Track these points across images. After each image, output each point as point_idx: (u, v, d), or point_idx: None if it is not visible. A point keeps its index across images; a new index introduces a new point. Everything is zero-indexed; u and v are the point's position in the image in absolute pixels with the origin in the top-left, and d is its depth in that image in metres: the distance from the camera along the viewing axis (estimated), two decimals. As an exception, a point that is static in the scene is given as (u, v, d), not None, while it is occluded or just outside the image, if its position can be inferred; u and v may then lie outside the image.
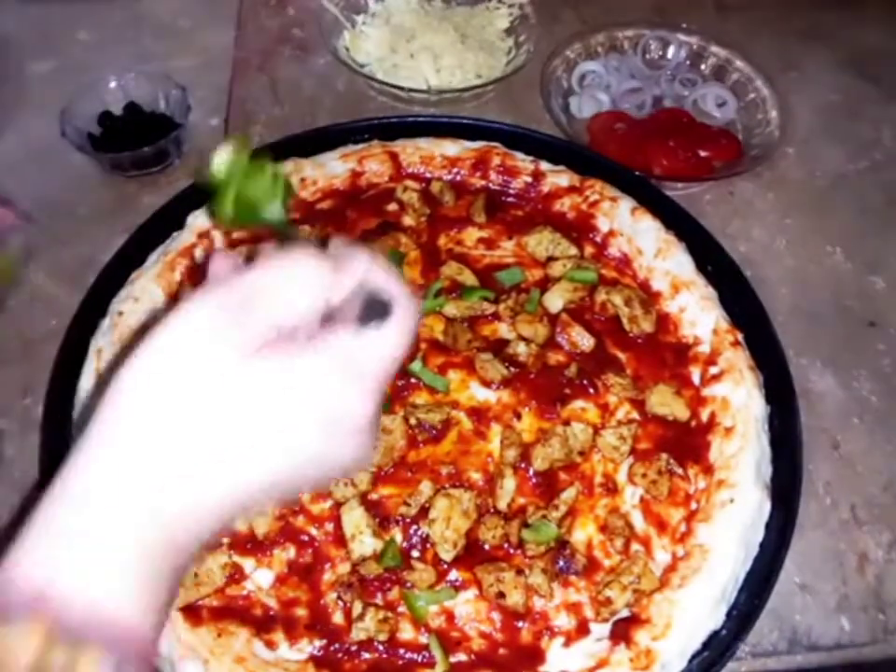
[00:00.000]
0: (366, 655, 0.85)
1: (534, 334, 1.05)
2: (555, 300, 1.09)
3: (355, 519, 0.90)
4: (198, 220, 1.14)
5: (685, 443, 0.99)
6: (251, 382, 0.51)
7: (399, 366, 0.57)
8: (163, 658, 0.83)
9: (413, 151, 1.24)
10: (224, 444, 0.51)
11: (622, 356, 1.06)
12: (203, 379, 0.51)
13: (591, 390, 1.02)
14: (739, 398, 0.99)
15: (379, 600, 0.89)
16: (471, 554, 0.91)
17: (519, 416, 1.00)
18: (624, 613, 0.88)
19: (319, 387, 0.53)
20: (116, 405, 0.51)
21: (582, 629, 0.88)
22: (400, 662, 0.86)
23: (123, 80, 1.35)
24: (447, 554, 0.90)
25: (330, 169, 1.22)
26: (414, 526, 0.92)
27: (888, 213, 1.35)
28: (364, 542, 0.90)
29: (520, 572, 0.88)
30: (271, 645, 0.86)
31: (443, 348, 1.05)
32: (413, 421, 0.97)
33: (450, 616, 0.88)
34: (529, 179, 1.22)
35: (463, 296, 1.09)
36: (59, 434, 0.96)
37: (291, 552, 0.91)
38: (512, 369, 1.02)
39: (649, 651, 0.83)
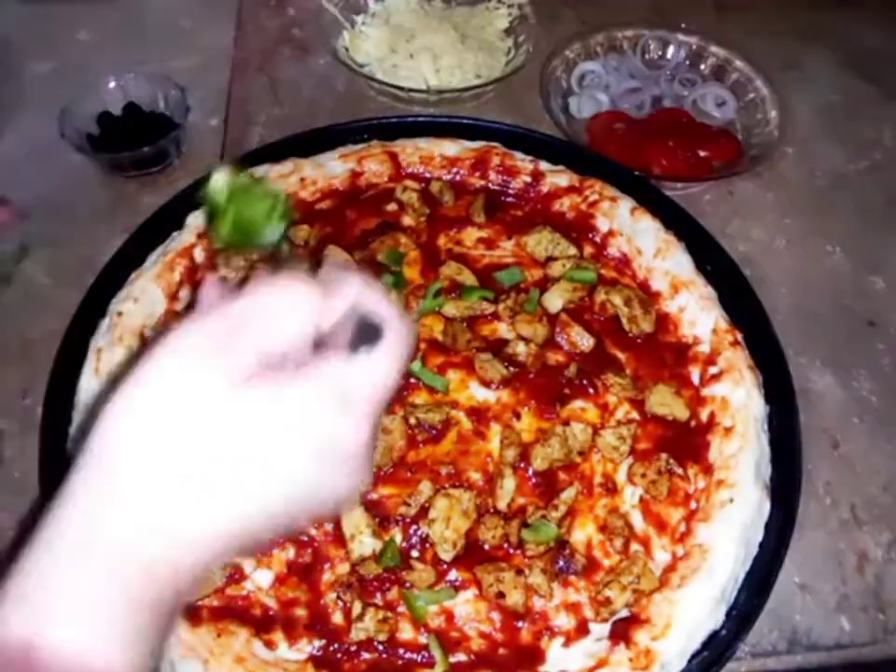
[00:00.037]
0: (365, 655, 0.85)
1: (533, 334, 1.05)
2: (555, 300, 1.09)
3: (354, 519, 0.90)
4: (197, 220, 1.13)
5: (685, 443, 0.99)
6: (242, 411, 0.50)
7: (393, 391, 0.55)
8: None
9: (412, 151, 1.25)
10: (216, 477, 0.50)
11: (621, 356, 1.06)
12: (192, 411, 0.49)
13: (590, 390, 1.02)
14: (739, 397, 0.99)
15: (378, 600, 0.89)
16: (471, 554, 0.91)
17: (518, 416, 1.00)
18: (624, 613, 0.88)
19: (312, 415, 0.52)
20: (102, 444, 0.50)
21: (582, 629, 0.88)
22: (400, 662, 0.86)
23: (123, 81, 1.35)
24: (447, 554, 0.90)
25: (330, 169, 1.22)
26: (414, 526, 0.92)
27: (887, 213, 1.35)
28: (363, 542, 0.90)
29: (520, 572, 0.88)
30: (270, 645, 0.86)
31: (443, 348, 1.05)
32: (412, 421, 0.97)
33: (449, 616, 0.88)
34: (529, 179, 1.22)
35: (462, 296, 1.09)
36: (58, 434, 0.96)
37: (291, 552, 0.91)
38: (512, 369, 1.02)
39: (648, 651, 0.83)
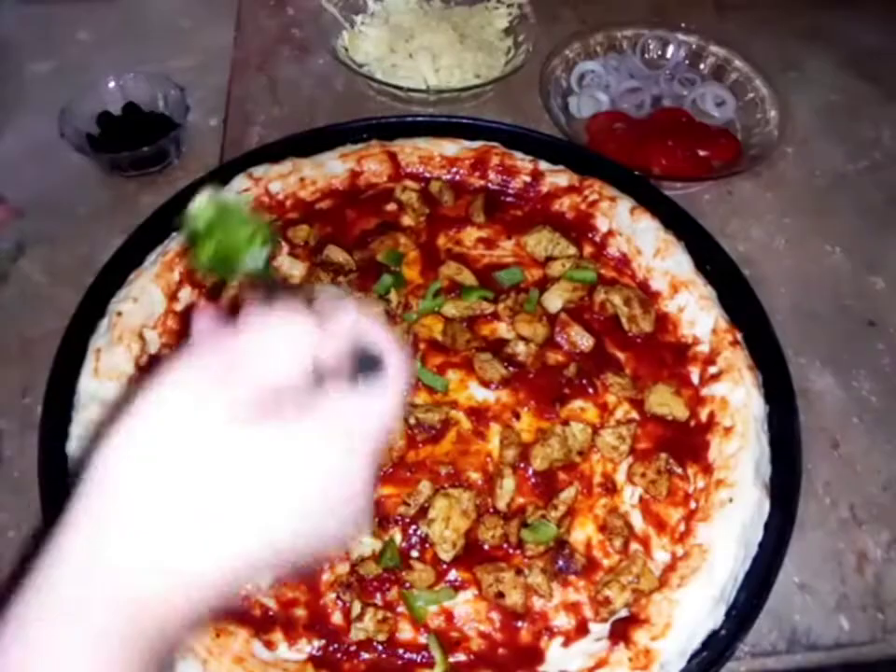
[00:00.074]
0: (365, 655, 0.85)
1: (533, 334, 1.05)
2: (554, 299, 1.09)
3: (354, 519, 0.90)
4: (197, 220, 1.13)
5: (684, 443, 0.99)
6: (246, 447, 0.49)
7: (394, 425, 0.55)
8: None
9: (411, 151, 1.24)
10: (218, 514, 0.49)
11: (621, 355, 1.07)
12: (194, 445, 0.49)
13: (590, 390, 1.02)
14: (738, 397, 0.99)
15: (378, 600, 0.88)
16: (471, 554, 0.91)
17: (518, 416, 1.00)
18: (623, 613, 0.88)
19: (316, 451, 0.51)
20: (102, 477, 0.49)
21: (581, 629, 0.88)
22: (399, 662, 0.86)
23: (122, 80, 1.35)
24: (446, 554, 0.90)
25: (329, 169, 1.22)
26: (413, 526, 0.92)
27: (887, 212, 1.35)
28: (363, 542, 0.90)
29: (519, 572, 0.88)
30: (270, 645, 0.86)
31: (442, 348, 1.05)
32: (412, 421, 0.97)
33: (449, 616, 0.88)
34: (528, 179, 1.22)
35: (462, 296, 1.09)
36: (58, 434, 0.96)
37: (290, 552, 0.91)
38: (511, 368, 1.02)
39: (648, 650, 0.83)
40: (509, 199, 1.23)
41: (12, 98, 1.43)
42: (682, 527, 0.93)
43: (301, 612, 0.88)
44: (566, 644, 0.87)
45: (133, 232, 1.15)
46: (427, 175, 1.24)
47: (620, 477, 0.97)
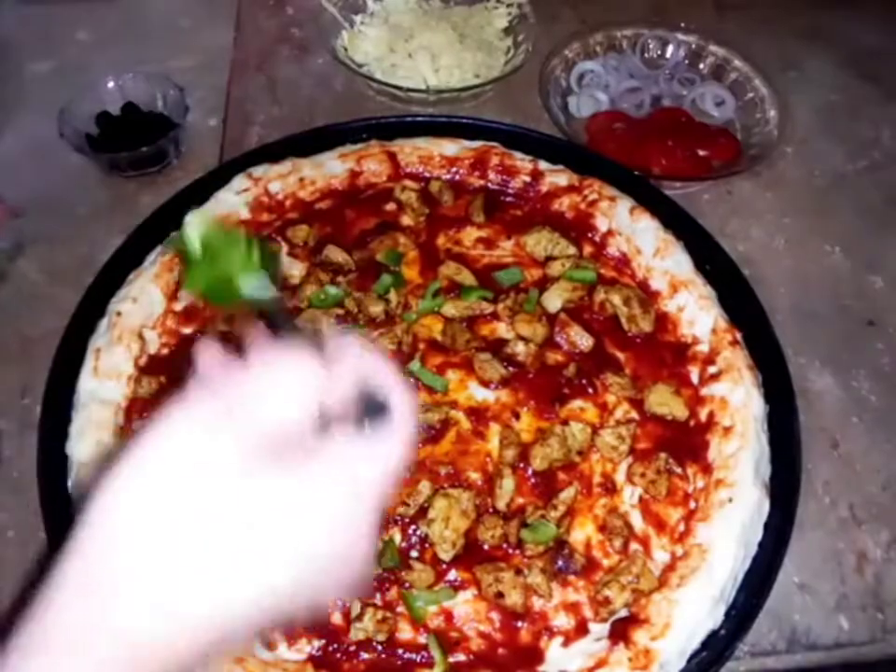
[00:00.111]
0: (364, 655, 0.85)
1: (532, 334, 1.05)
2: (554, 299, 1.09)
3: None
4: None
5: (684, 443, 0.99)
6: (250, 491, 0.48)
7: (401, 471, 0.54)
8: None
9: (411, 151, 1.24)
10: (221, 558, 0.48)
11: (620, 355, 1.07)
12: (196, 488, 0.48)
13: (589, 390, 1.02)
14: (738, 397, 0.99)
15: (377, 600, 0.88)
16: (470, 554, 0.91)
17: (518, 416, 1.00)
18: (623, 613, 0.88)
19: (317, 497, 0.50)
20: (101, 518, 0.47)
21: (581, 629, 0.88)
22: (399, 662, 0.85)
23: (121, 80, 1.35)
24: (446, 554, 0.90)
25: (329, 169, 1.22)
26: (413, 526, 0.92)
27: (886, 212, 1.35)
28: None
29: (519, 572, 0.88)
30: (270, 645, 0.86)
31: (442, 348, 1.05)
32: (411, 421, 0.97)
33: (449, 616, 0.88)
34: (528, 179, 1.22)
35: (462, 296, 1.09)
36: (57, 434, 0.96)
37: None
38: (511, 368, 1.02)
39: (647, 650, 0.83)
40: (508, 199, 1.23)
41: (12, 98, 1.43)
42: (682, 527, 0.93)
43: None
44: (565, 644, 0.87)
45: (132, 232, 1.15)
46: (427, 174, 1.24)
47: (619, 477, 0.97)
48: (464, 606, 0.89)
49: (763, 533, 0.91)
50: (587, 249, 1.17)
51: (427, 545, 0.91)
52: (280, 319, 0.58)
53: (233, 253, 0.56)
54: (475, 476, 0.96)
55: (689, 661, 0.84)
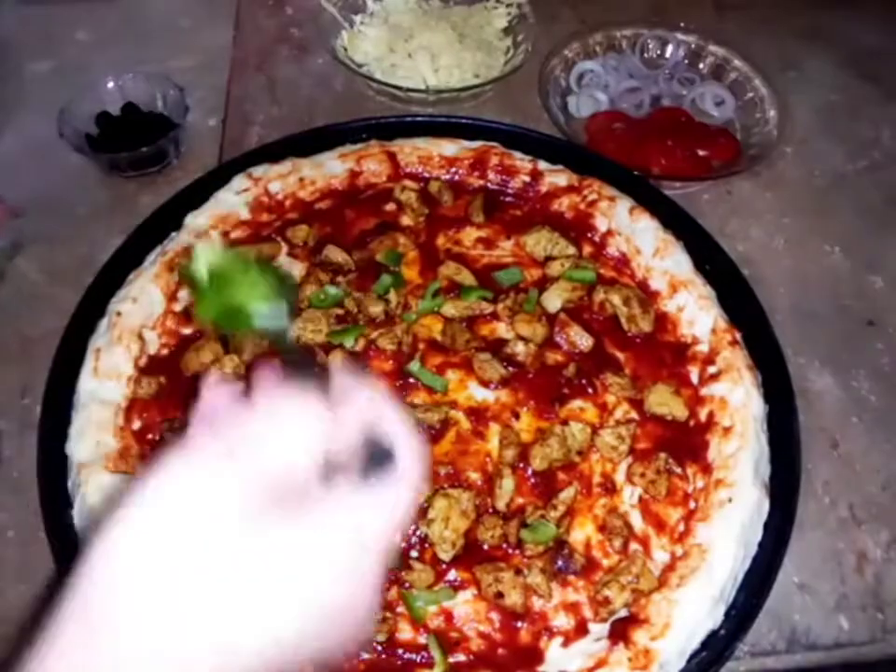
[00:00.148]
0: (364, 655, 0.85)
1: (532, 334, 1.05)
2: (554, 299, 1.09)
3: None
4: (196, 220, 1.13)
5: (683, 443, 0.99)
6: (249, 541, 0.48)
7: (407, 520, 0.53)
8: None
9: (410, 151, 1.24)
10: (223, 608, 0.47)
11: (620, 355, 1.06)
12: (198, 535, 0.47)
13: (589, 390, 1.02)
14: (738, 397, 0.99)
15: (377, 600, 0.88)
16: (470, 554, 0.91)
17: (517, 416, 1.00)
18: (623, 613, 0.88)
19: (321, 546, 0.50)
20: (102, 565, 0.47)
21: (581, 629, 0.88)
22: (399, 662, 0.85)
23: (121, 80, 1.35)
24: (446, 554, 0.90)
25: (329, 169, 1.22)
26: (413, 526, 0.92)
27: (886, 212, 1.35)
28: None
29: (518, 572, 0.88)
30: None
31: (442, 348, 1.05)
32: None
33: (449, 616, 0.88)
34: (527, 179, 1.22)
35: (461, 296, 1.09)
36: (57, 434, 0.96)
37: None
38: (511, 368, 1.02)
39: (647, 650, 0.83)
40: (508, 199, 1.23)
41: (12, 98, 1.43)
42: (682, 527, 0.93)
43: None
44: (565, 644, 0.87)
45: (132, 232, 1.15)
46: (427, 174, 1.24)
47: (619, 477, 0.97)
48: (464, 606, 0.89)
49: (763, 533, 0.91)
50: (587, 249, 1.17)
51: (426, 545, 0.91)
52: (289, 351, 0.57)
53: (244, 282, 0.56)
54: (475, 476, 0.96)
55: (689, 661, 0.84)
